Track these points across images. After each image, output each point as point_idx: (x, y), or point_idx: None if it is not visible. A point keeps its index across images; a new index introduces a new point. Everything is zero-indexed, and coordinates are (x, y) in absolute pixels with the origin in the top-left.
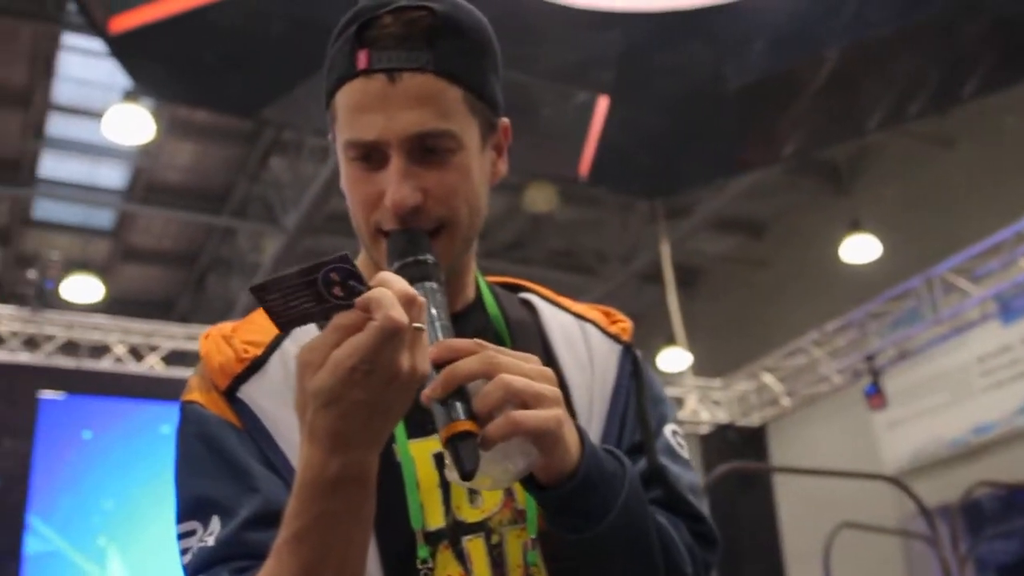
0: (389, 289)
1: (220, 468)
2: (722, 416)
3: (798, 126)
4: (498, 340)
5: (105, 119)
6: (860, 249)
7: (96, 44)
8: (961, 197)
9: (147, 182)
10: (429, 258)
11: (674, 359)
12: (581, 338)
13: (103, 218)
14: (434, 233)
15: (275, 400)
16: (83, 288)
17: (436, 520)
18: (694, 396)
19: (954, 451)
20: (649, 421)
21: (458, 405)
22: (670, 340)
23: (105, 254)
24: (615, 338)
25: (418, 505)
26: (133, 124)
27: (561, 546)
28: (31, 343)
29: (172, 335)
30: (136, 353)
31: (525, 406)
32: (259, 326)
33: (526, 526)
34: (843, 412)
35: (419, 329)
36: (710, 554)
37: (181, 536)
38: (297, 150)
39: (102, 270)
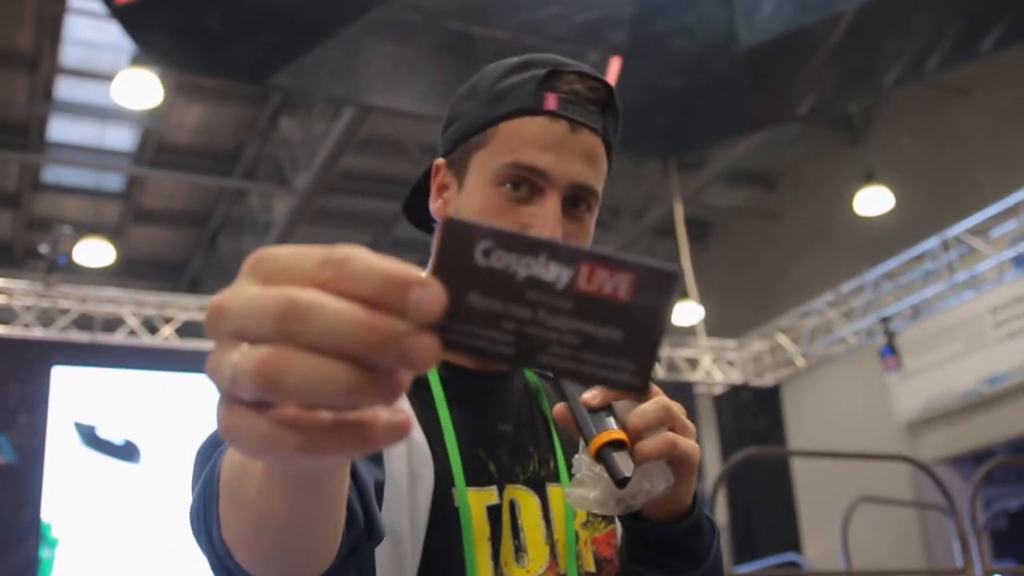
0: None
1: None
2: (736, 377)
3: (814, 84)
4: (537, 399)
5: (114, 84)
6: (874, 201)
7: (103, 7)
8: (976, 147)
9: (157, 144)
10: None
11: (687, 313)
12: None
13: (114, 181)
14: None
15: None
16: (95, 251)
17: (485, 574)
18: (708, 357)
19: (967, 402)
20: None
21: (609, 417)
22: (683, 294)
23: (116, 216)
24: None
25: (473, 556)
26: (141, 87)
27: None
28: (45, 317)
29: (185, 306)
30: (150, 325)
31: (673, 431)
32: None
33: None
34: (857, 370)
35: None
36: None
37: None
38: (307, 109)
39: (114, 232)
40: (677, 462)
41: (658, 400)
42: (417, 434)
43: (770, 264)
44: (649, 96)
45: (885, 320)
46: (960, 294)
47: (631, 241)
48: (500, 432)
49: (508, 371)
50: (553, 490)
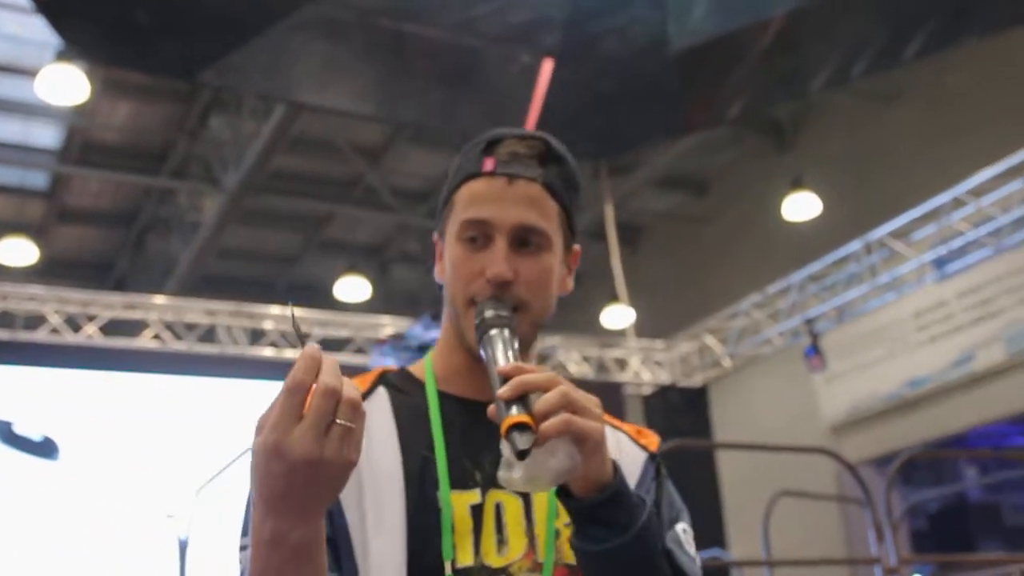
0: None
1: None
2: (664, 377)
3: (743, 88)
4: None
5: (38, 79)
6: (801, 206)
7: (27, 0)
8: (900, 154)
9: (83, 142)
10: (505, 313)
11: (617, 316)
12: (614, 440)
13: (38, 179)
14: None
15: None
16: (18, 251)
17: (466, 560)
18: (637, 358)
19: (889, 404)
20: (664, 513)
21: (519, 406)
22: (613, 298)
23: (40, 216)
24: (643, 447)
25: (451, 544)
26: (67, 84)
27: (583, 562)
28: None
29: (110, 304)
30: (73, 323)
31: (575, 415)
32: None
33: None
34: (783, 371)
35: (350, 428)
36: None
37: (239, 549)
38: (237, 108)
39: (38, 232)
40: (579, 440)
41: (559, 389)
42: (388, 464)
43: (700, 268)
44: (581, 98)
45: (810, 321)
46: (882, 296)
47: None
48: (488, 447)
49: None
50: (537, 496)
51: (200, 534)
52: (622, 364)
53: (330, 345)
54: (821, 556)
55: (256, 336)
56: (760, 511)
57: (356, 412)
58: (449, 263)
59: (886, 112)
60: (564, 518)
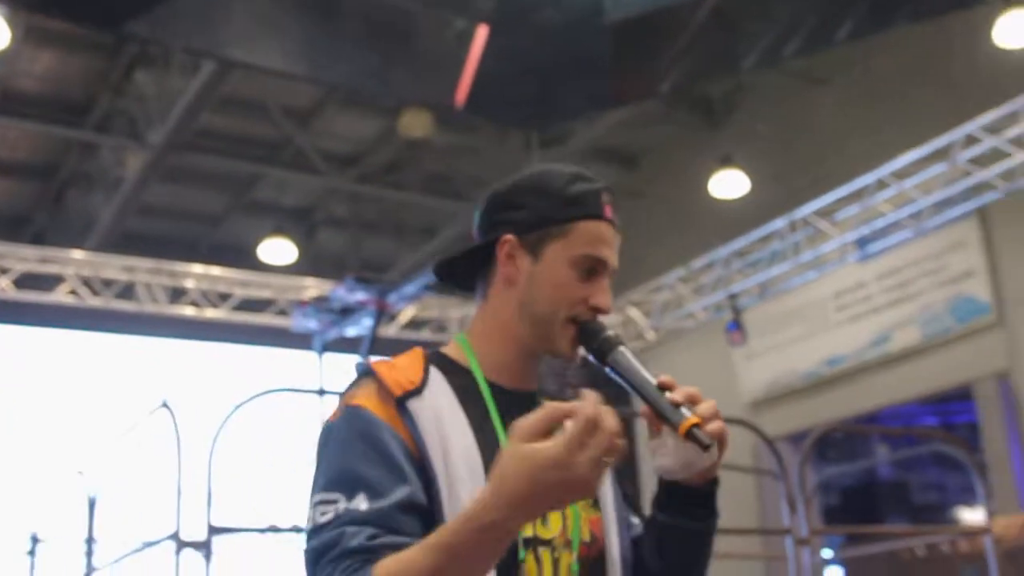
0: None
1: (377, 459)
2: None
3: (676, 62)
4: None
5: None
6: (729, 184)
7: None
8: (829, 135)
9: (1, 90)
10: (614, 333)
11: None
12: None
13: None
14: None
15: (429, 417)
16: None
17: (527, 531)
18: None
19: (807, 382)
20: (639, 489)
21: (685, 409)
22: None
23: None
24: None
25: None
26: None
27: (677, 534)
28: None
29: (24, 257)
30: None
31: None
32: (407, 367)
33: (571, 550)
34: (705, 345)
35: (609, 467)
36: None
37: (320, 503)
38: (164, 63)
39: None
40: (722, 442)
41: (711, 401)
42: (466, 445)
43: (626, 241)
44: (514, 67)
45: (733, 296)
46: (804, 274)
47: None
48: None
49: (535, 390)
50: None
51: (110, 491)
52: None
53: (252, 306)
54: (736, 526)
55: (176, 295)
56: None
57: (616, 457)
58: (552, 281)
59: (815, 93)
60: (583, 502)
